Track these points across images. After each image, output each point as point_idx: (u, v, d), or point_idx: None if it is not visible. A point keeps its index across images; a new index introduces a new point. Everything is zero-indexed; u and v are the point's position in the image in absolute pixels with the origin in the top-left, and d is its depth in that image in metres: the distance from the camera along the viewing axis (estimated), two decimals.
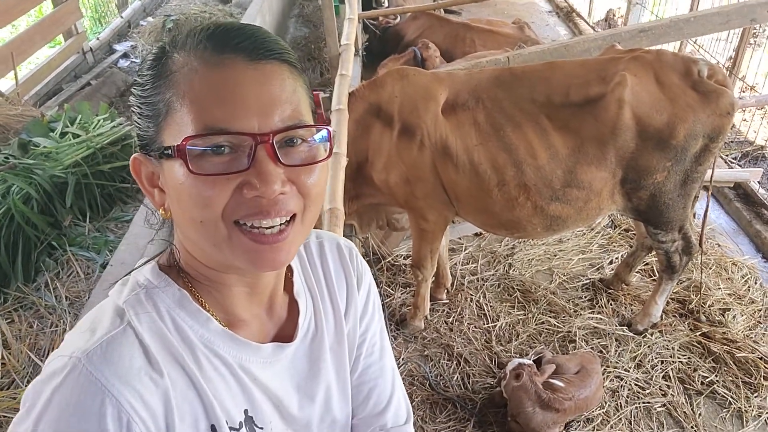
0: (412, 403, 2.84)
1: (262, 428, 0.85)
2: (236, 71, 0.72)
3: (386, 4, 6.57)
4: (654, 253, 3.26)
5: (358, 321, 1.03)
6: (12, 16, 5.96)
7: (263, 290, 0.88)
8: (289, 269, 0.95)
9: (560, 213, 2.82)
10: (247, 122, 0.71)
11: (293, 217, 0.77)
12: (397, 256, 3.75)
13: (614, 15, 7.82)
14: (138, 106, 0.77)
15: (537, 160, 2.72)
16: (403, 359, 3.09)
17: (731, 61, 4.68)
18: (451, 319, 3.34)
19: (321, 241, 1.02)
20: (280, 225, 0.76)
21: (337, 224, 1.84)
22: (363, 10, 6.13)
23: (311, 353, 0.93)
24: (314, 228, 0.92)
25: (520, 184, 2.75)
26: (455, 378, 3.00)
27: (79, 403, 0.70)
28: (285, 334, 0.92)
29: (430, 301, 3.36)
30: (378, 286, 3.50)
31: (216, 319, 0.83)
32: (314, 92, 3.87)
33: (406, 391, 2.92)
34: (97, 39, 7.50)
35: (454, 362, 3.08)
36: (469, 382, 2.98)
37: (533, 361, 2.92)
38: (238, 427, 0.82)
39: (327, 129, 0.78)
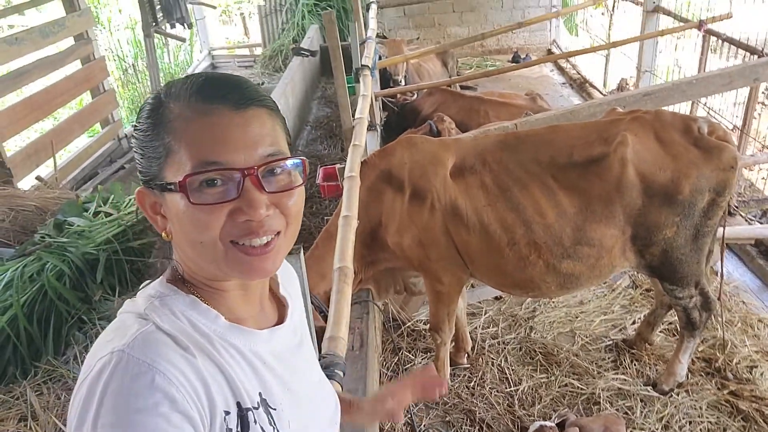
0: None
1: (275, 409, 0.95)
2: (223, 118, 0.86)
3: (403, 83, 6.86)
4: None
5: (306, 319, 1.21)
6: (52, 108, 6.38)
7: (254, 293, 1.02)
8: (275, 277, 1.11)
9: (572, 270, 2.85)
10: (235, 158, 0.86)
11: (278, 233, 0.91)
12: (416, 321, 3.77)
13: (627, 84, 8.01)
14: (141, 149, 0.91)
15: (545, 218, 2.79)
16: (424, 426, 3.06)
17: (743, 120, 4.75)
18: (472, 384, 3.32)
19: None
20: (268, 240, 0.90)
21: (345, 281, 1.91)
22: (381, 88, 6.42)
23: (298, 342, 1.09)
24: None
25: (530, 243, 2.80)
26: None
27: (133, 384, 0.79)
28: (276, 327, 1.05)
29: (451, 366, 3.35)
30: (399, 352, 3.53)
31: (222, 316, 0.95)
32: (333, 165, 4.05)
33: None
34: (132, 126, 7.93)
35: (476, 428, 3.04)
36: None
37: (556, 424, 2.87)
38: (257, 406, 0.92)
39: (301, 159, 0.93)
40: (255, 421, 0.90)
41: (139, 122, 0.91)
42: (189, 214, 0.86)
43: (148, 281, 0.97)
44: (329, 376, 1.46)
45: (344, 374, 1.50)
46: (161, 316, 0.89)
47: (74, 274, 3.77)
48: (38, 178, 5.54)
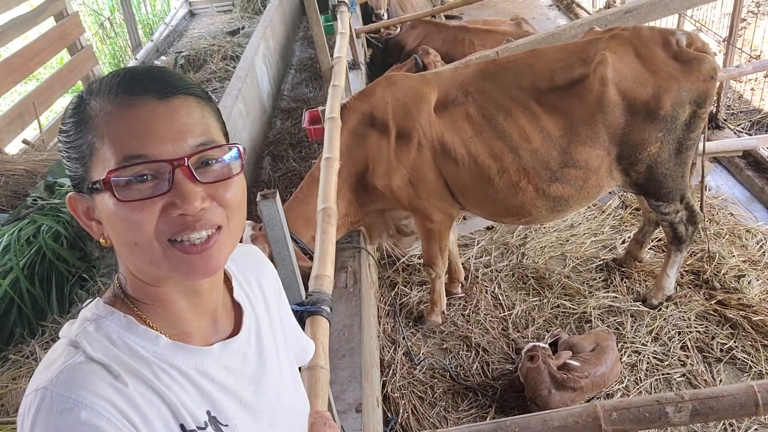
0: (434, 395, 2.92)
1: (227, 425, 0.91)
2: (147, 109, 0.81)
3: (386, 17, 6.70)
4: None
5: (287, 312, 1.17)
6: (30, 69, 6.26)
7: (206, 302, 0.95)
8: (229, 280, 1.04)
9: (561, 193, 2.88)
10: (162, 149, 0.80)
11: (219, 227, 0.86)
12: (411, 256, 3.84)
13: (615, 2, 7.82)
14: (66, 152, 0.85)
15: (532, 143, 2.80)
16: (423, 354, 3.16)
17: (728, 31, 4.66)
18: (467, 312, 3.41)
19: (246, 250, 1.13)
20: (208, 235, 0.84)
21: (329, 222, 1.93)
22: (363, 24, 6.28)
23: (257, 348, 1.02)
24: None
25: (519, 169, 2.83)
26: (475, 367, 3.06)
27: (59, 423, 0.76)
28: (231, 338, 0.99)
29: (446, 296, 3.43)
30: (394, 287, 3.60)
31: (165, 335, 0.89)
32: (317, 108, 4.01)
33: (429, 384, 2.98)
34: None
35: (473, 352, 3.15)
36: (488, 370, 3.04)
37: (549, 344, 2.97)
38: (204, 426, 0.88)
39: (237, 147, 0.87)
40: None
41: (64, 123, 0.86)
42: (119, 214, 0.80)
43: (90, 300, 0.92)
44: (316, 312, 1.50)
45: (331, 310, 1.54)
46: (92, 343, 0.83)
47: (70, 234, 3.80)
48: (25, 141, 5.50)
